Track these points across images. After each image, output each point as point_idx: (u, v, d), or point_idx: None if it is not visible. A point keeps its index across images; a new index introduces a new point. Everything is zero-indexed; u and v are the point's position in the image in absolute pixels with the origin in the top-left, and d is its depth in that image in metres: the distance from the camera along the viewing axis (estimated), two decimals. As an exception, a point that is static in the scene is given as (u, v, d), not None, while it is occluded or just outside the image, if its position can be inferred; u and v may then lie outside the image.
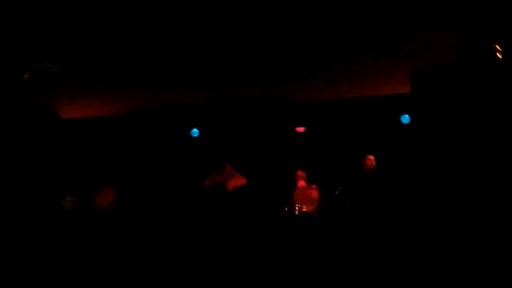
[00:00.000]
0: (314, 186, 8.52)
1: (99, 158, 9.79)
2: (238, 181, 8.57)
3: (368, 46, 6.33)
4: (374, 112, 9.19)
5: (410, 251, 5.79)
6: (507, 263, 5.30)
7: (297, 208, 8.03)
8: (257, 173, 9.41)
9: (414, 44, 6.26)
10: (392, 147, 8.98)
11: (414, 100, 7.61)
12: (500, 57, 6.13)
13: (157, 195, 8.49)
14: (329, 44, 6.22)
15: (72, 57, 6.49)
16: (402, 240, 6.10)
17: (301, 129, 9.67)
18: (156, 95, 8.65)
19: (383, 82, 7.98)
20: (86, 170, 9.31)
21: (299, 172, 8.74)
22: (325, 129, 9.69)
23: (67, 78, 7.38)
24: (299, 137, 9.75)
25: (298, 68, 7.30)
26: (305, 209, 8.01)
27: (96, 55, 6.48)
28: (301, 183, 8.65)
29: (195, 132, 9.73)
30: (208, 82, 7.94)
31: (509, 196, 6.27)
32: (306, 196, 8.47)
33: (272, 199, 8.43)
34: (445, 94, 7.04)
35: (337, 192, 8.29)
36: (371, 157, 8.64)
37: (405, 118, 8.96)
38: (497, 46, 6.13)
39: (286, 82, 8.03)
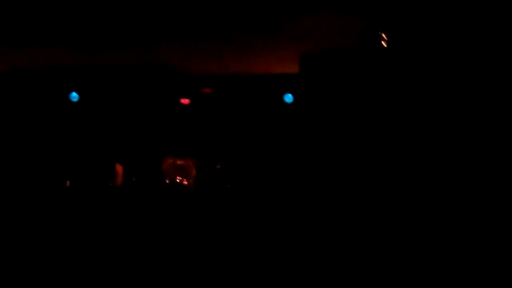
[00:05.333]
0: (190, 160, 8.50)
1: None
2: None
3: (254, 24, 6.34)
4: (259, 89, 9.23)
5: (289, 231, 5.92)
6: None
7: (178, 181, 8.01)
8: (137, 144, 9.23)
9: (301, 25, 6.33)
10: (274, 124, 9.10)
11: (300, 80, 7.73)
12: (385, 45, 6.34)
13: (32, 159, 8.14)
14: (212, 17, 6.17)
15: None
16: (281, 219, 6.22)
17: (186, 101, 9.52)
18: (33, 54, 8.15)
19: (272, 61, 8.03)
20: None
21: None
22: (209, 103, 9.60)
23: None
24: (184, 109, 9.60)
25: (185, 38, 7.14)
26: (185, 183, 8.01)
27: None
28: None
29: (74, 96, 9.30)
30: (88, 44, 7.55)
31: (381, 182, 6.51)
32: (183, 169, 8.44)
33: (154, 171, 8.34)
34: (331, 78, 7.21)
35: (218, 167, 8.32)
36: None
37: (288, 97, 9.09)
38: (383, 35, 6.33)
39: (172, 50, 7.84)
